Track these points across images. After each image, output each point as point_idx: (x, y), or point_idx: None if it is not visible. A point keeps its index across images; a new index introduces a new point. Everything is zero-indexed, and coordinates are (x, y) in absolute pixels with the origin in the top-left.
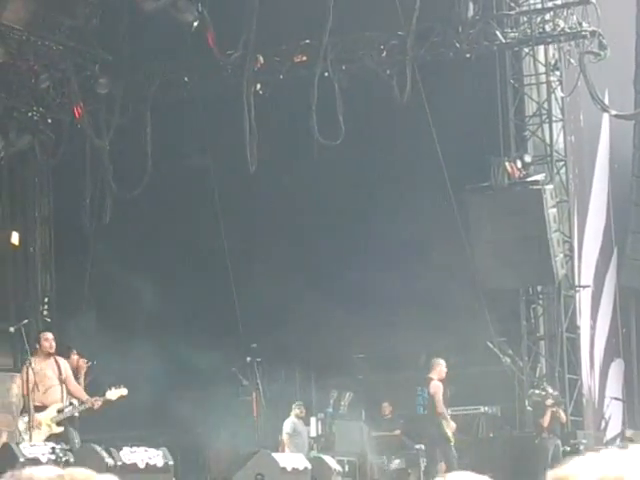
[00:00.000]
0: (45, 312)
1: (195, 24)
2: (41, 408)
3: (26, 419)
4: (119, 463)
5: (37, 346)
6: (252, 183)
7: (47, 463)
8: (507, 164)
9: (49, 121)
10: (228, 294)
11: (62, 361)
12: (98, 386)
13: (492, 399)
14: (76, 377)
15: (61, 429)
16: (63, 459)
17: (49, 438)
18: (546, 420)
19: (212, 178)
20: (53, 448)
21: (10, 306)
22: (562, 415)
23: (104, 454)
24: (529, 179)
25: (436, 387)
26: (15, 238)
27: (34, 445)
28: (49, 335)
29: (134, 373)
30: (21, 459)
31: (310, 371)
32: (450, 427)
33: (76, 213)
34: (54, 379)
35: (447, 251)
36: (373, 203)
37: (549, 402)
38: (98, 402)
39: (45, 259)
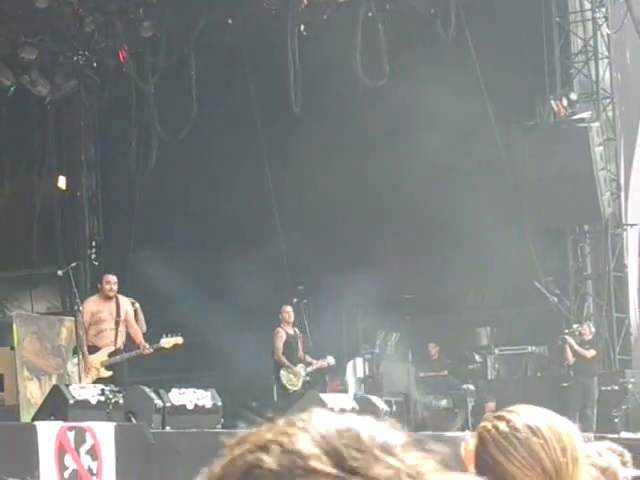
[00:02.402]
0: (93, 255)
1: None
2: (93, 349)
3: (75, 361)
4: (168, 404)
5: (98, 286)
6: (297, 124)
7: (96, 405)
8: (553, 102)
9: (94, 65)
10: (275, 235)
11: (124, 302)
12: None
13: (539, 339)
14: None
15: (110, 373)
16: (112, 401)
17: (96, 382)
18: (569, 358)
19: (257, 120)
20: (102, 390)
21: (58, 250)
22: (585, 353)
23: (153, 395)
24: (575, 117)
25: (275, 333)
26: (62, 182)
27: (84, 387)
28: (111, 278)
29: (181, 315)
30: (70, 401)
31: (357, 312)
32: (294, 372)
33: (122, 157)
34: (109, 321)
35: (494, 190)
36: (418, 143)
37: (563, 340)
38: (149, 350)
39: (92, 203)
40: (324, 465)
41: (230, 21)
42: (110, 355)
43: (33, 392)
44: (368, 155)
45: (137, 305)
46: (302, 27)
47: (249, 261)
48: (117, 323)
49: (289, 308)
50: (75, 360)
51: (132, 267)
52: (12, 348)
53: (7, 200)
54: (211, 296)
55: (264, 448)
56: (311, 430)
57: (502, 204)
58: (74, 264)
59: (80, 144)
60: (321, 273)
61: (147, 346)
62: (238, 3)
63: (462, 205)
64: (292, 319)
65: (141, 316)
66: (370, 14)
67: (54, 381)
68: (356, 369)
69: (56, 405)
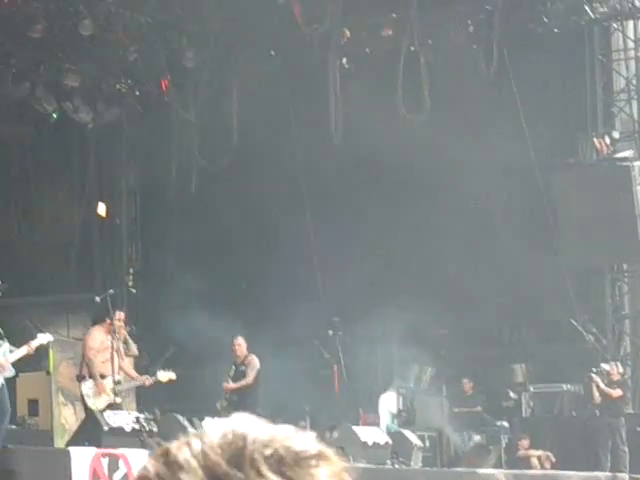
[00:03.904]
0: (130, 282)
1: None
2: (101, 377)
3: (89, 384)
4: None
5: (108, 320)
6: (337, 156)
7: (131, 432)
8: (595, 140)
9: (137, 93)
10: (311, 266)
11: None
12: (178, 357)
13: (575, 377)
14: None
15: (119, 400)
16: (146, 428)
17: (109, 407)
18: (595, 398)
19: (297, 150)
20: (137, 418)
21: (96, 276)
22: (611, 392)
23: (186, 424)
24: (617, 155)
25: None
26: (102, 209)
27: (118, 414)
28: (123, 315)
29: (216, 343)
30: (105, 428)
31: (392, 345)
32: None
33: (162, 185)
34: (109, 351)
35: (533, 227)
36: (458, 177)
37: (589, 378)
38: (149, 381)
39: (131, 230)
40: (193, 478)
41: (273, 52)
42: (116, 383)
43: (67, 418)
44: (407, 188)
45: (126, 331)
46: (344, 60)
47: (286, 291)
48: (116, 355)
49: (235, 340)
50: (89, 383)
51: (169, 295)
52: (48, 373)
53: (47, 225)
54: (246, 326)
55: (158, 457)
56: (201, 441)
57: (541, 241)
58: (111, 291)
59: (121, 171)
60: (357, 306)
61: (148, 377)
62: (281, 35)
63: (500, 241)
64: (237, 352)
65: (131, 341)
66: (412, 48)
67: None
68: (389, 403)
69: (90, 431)
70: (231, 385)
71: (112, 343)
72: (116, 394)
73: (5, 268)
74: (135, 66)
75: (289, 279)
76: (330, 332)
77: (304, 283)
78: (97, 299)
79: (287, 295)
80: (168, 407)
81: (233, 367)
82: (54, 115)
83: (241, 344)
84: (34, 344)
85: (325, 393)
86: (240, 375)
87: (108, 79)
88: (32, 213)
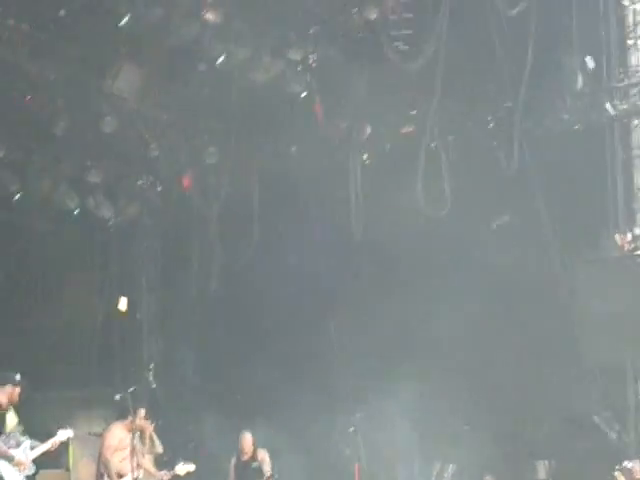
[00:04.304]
0: (150, 378)
1: (303, 94)
2: (118, 476)
3: None
4: None
5: (129, 417)
6: (357, 253)
7: None
8: (617, 236)
9: (158, 189)
10: (331, 361)
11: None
12: (197, 452)
13: (598, 475)
14: (141, 437)
15: None
16: None
17: None
18: None
19: (317, 248)
20: None
21: (116, 372)
22: None
23: None
24: (639, 252)
25: None
26: (123, 304)
27: None
28: (144, 412)
29: (234, 440)
30: None
31: (413, 442)
32: None
33: (183, 280)
34: (128, 449)
35: (552, 322)
36: (475, 271)
37: (612, 476)
38: (167, 476)
39: (152, 325)
40: None
41: (293, 148)
42: None
43: None
44: (429, 285)
45: (151, 428)
46: (364, 156)
47: (304, 387)
48: (136, 451)
49: (242, 436)
50: None
51: (189, 391)
52: (67, 469)
53: (66, 319)
54: (267, 421)
55: None
56: None
57: (560, 336)
58: (132, 389)
59: (142, 266)
60: (378, 402)
61: (166, 472)
62: (302, 131)
63: (519, 336)
64: (245, 449)
65: (156, 438)
66: (433, 145)
67: None
68: None
69: None
70: None
71: (132, 442)
72: None
73: (25, 362)
74: (156, 162)
75: (309, 375)
76: (351, 429)
77: (325, 378)
78: (117, 397)
79: (308, 391)
80: None
81: (251, 464)
82: (75, 211)
83: (248, 439)
84: (55, 441)
85: None
86: (254, 472)
87: (129, 175)
88: (52, 307)
